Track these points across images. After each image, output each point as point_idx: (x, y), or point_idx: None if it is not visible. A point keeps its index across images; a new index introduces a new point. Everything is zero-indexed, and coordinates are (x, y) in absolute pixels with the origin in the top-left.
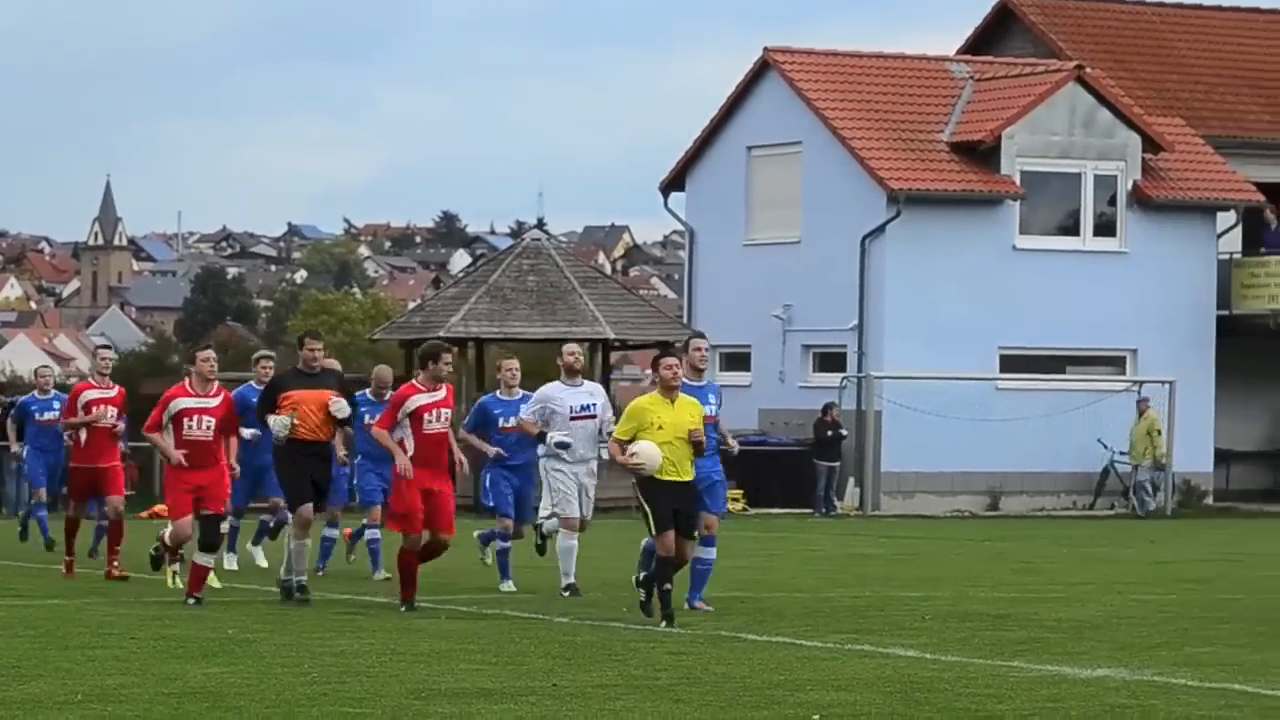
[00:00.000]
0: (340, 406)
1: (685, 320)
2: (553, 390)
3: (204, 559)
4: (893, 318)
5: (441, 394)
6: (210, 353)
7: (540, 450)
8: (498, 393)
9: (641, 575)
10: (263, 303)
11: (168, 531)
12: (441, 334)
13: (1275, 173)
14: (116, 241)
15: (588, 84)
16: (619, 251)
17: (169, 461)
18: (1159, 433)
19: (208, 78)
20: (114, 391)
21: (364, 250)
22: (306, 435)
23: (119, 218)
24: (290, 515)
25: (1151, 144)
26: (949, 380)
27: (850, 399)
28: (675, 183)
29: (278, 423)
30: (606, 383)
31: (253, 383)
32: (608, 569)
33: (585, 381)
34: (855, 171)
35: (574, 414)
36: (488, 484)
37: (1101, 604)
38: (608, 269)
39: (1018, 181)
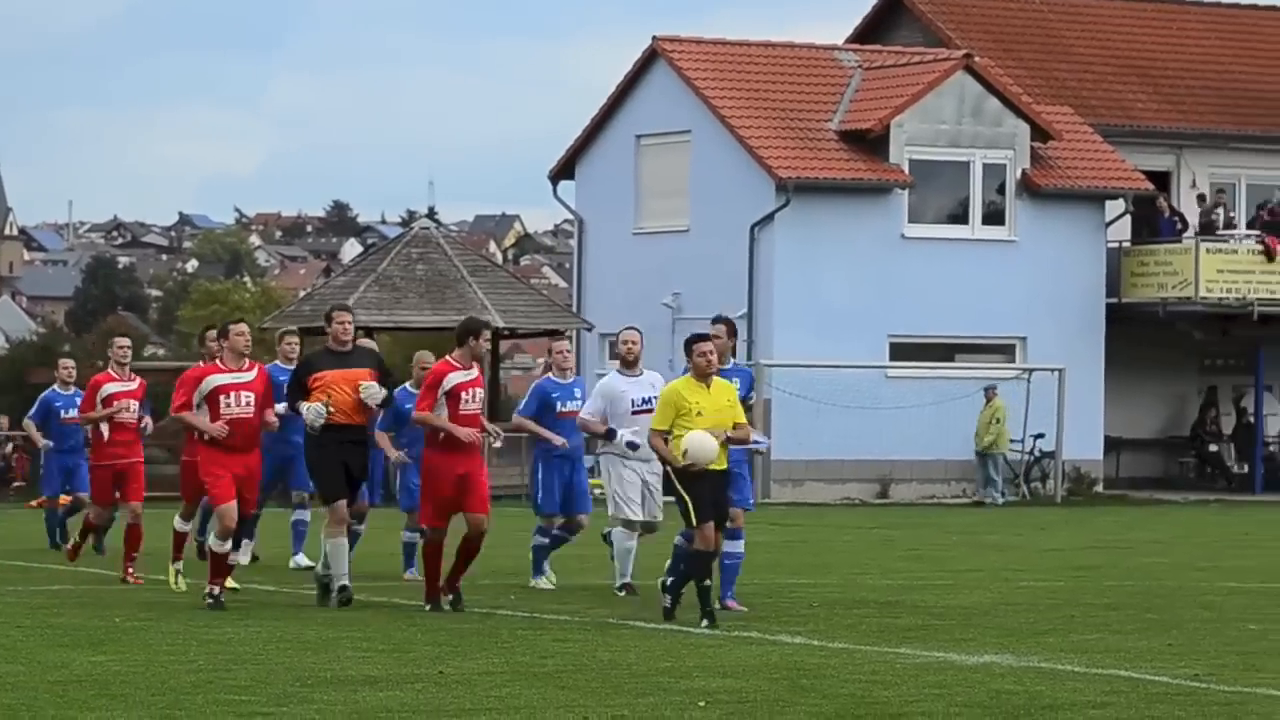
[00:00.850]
0: (371, 392)
1: (575, 309)
2: (613, 383)
3: (222, 547)
4: (782, 306)
5: (475, 373)
6: (244, 326)
7: (600, 445)
8: (551, 375)
9: (669, 580)
10: (154, 292)
11: (211, 537)
12: None
13: (1163, 161)
14: (7, 231)
15: (478, 73)
16: (510, 240)
17: (203, 438)
18: (1001, 420)
19: (99, 67)
20: (135, 384)
21: (255, 239)
22: (340, 420)
23: (9, 208)
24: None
25: (1040, 133)
26: (838, 368)
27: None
28: (565, 172)
29: (311, 411)
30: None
31: (279, 361)
32: (498, 557)
33: (645, 371)
34: (744, 160)
35: (635, 408)
36: (539, 477)
37: (990, 591)
38: (499, 258)
39: (906, 170)
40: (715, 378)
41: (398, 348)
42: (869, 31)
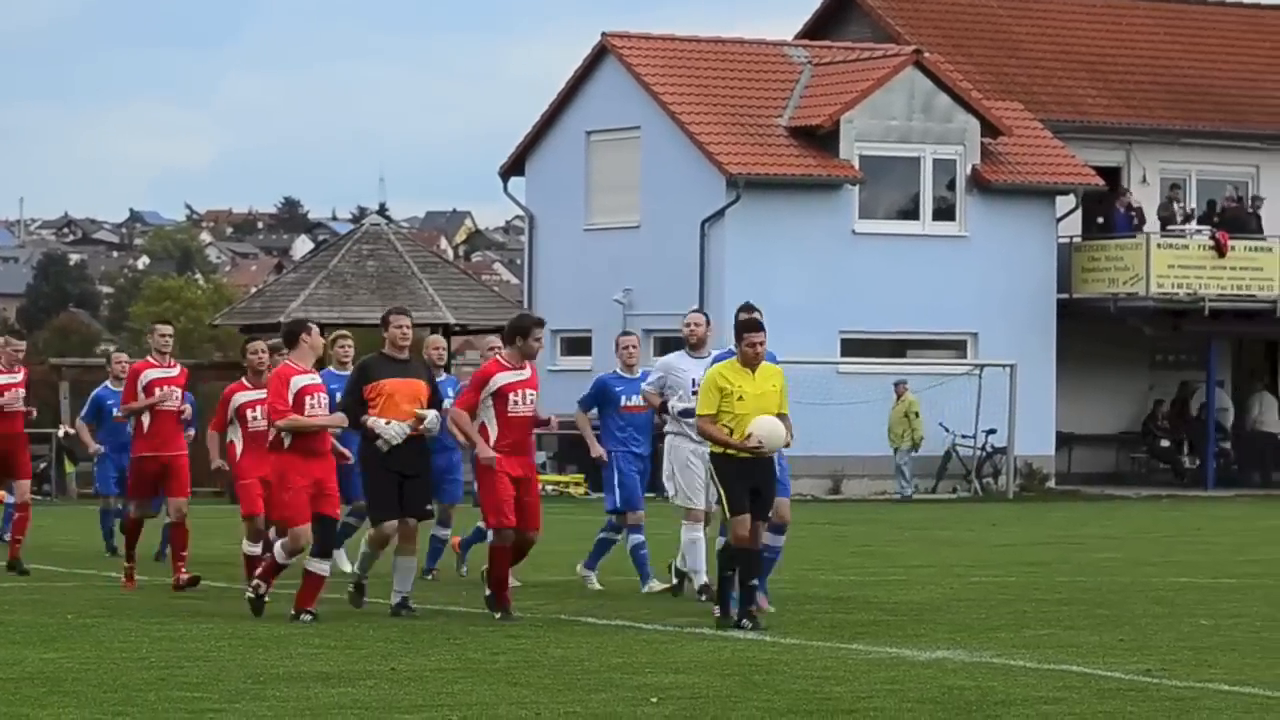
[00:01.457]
0: (431, 423)
1: (526, 305)
2: (675, 360)
3: (319, 566)
4: (733, 302)
5: (527, 373)
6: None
7: (664, 425)
8: (617, 369)
9: (715, 586)
10: (105, 289)
11: (278, 546)
12: (281, 319)
13: (1113, 157)
14: None
15: (428, 69)
16: (461, 236)
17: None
18: (916, 415)
19: (50, 64)
20: (176, 370)
21: (206, 236)
22: None
23: None
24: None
25: (990, 128)
26: (789, 364)
27: None
28: (515, 168)
29: (391, 430)
30: (448, 370)
31: (332, 367)
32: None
33: (713, 353)
34: (694, 156)
35: (697, 387)
36: (615, 476)
37: (942, 587)
38: (450, 254)
39: (856, 166)
40: (764, 363)
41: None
42: (819, 27)
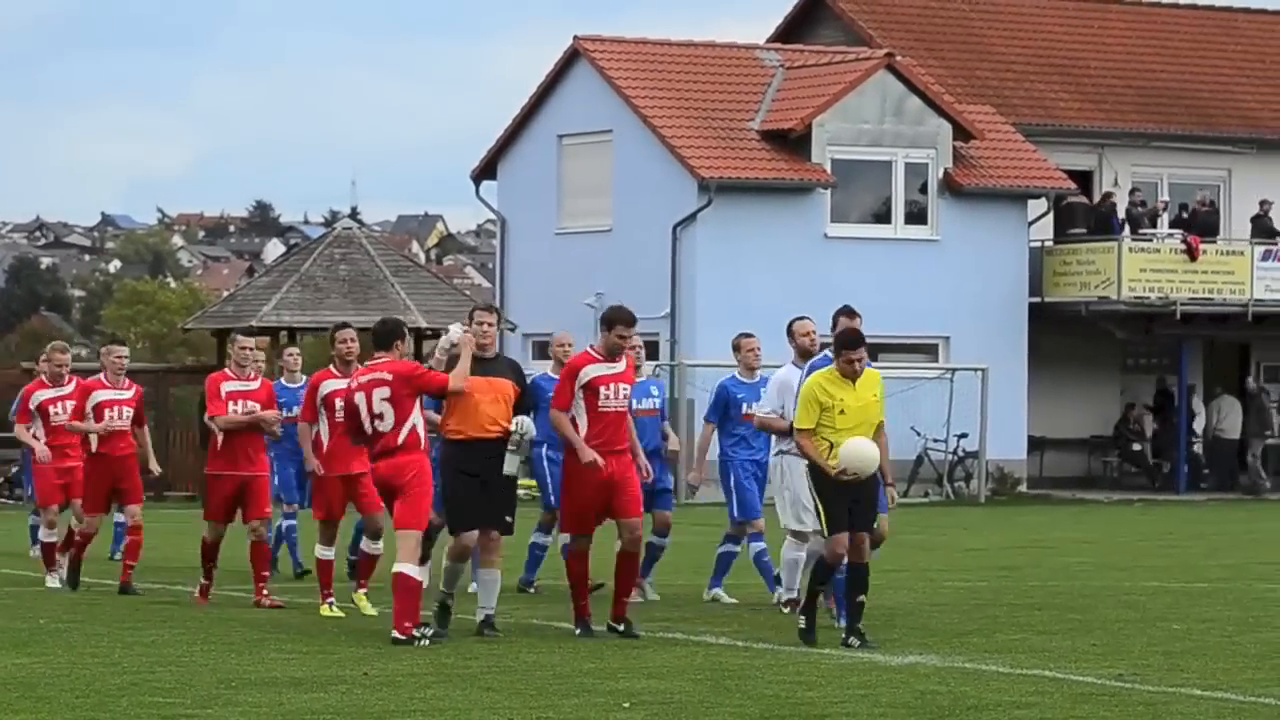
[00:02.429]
0: (527, 428)
1: (498, 308)
2: (788, 375)
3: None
4: (705, 306)
5: (621, 366)
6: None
7: (778, 444)
8: (736, 374)
9: (803, 599)
10: (77, 293)
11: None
12: (254, 323)
13: (1085, 160)
14: None
15: (399, 73)
16: (433, 240)
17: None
18: None
19: (21, 66)
20: (257, 384)
21: (178, 240)
22: (474, 433)
23: None
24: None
25: (962, 132)
26: (761, 368)
27: (664, 385)
28: (487, 171)
29: (453, 331)
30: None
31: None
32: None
33: (761, 376)
34: (666, 160)
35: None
36: (732, 483)
37: (914, 591)
38: (421, 258)
39: (829, 169)
40: (868, 373)
41: (320, 348)
42: (790, 31)
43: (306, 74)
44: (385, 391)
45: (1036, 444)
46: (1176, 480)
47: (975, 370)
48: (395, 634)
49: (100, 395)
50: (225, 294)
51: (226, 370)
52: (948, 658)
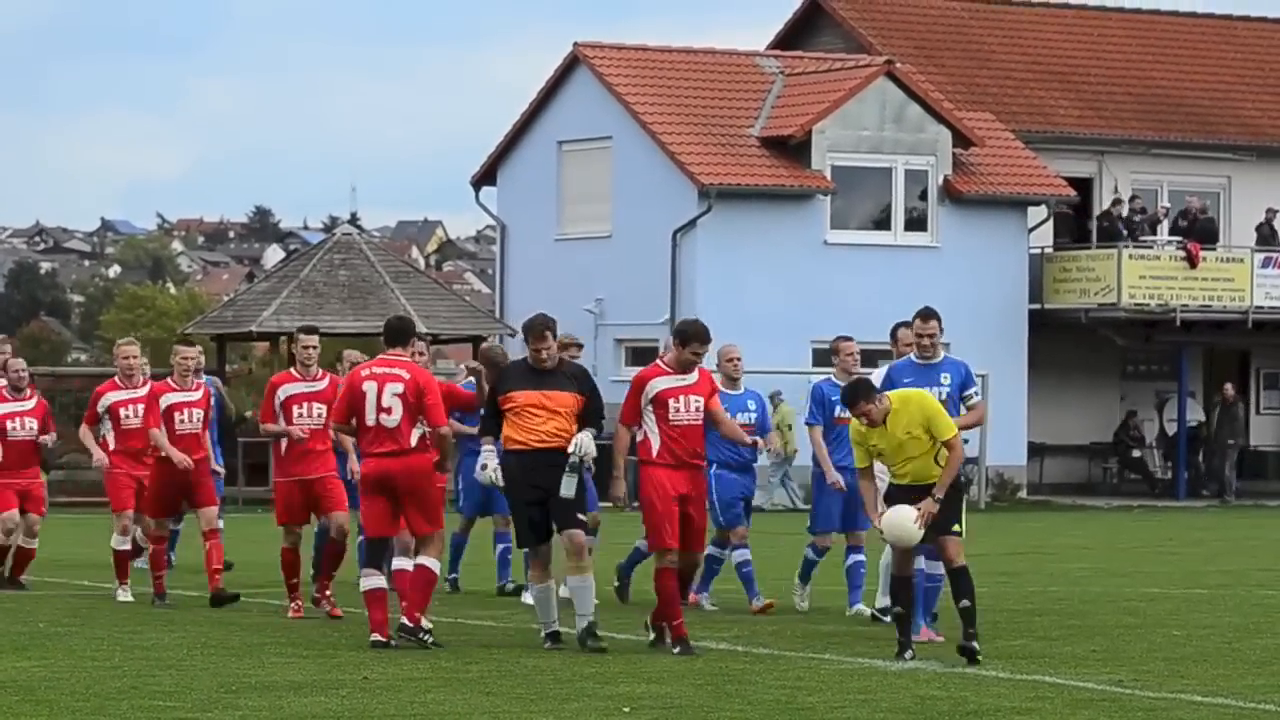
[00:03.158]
0: (586, 447)
1: (498, 315)
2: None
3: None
4: (705, 312)
5: (693, 379)
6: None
7: None
8: (832, 375)
9: (886, 603)
10: (76, 298)
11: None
12: (253, 329)
13: (1085, 167)
14: None
15: (399, 79)
16: (432, 246)
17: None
18: (790, 427)
19: (21, 71)
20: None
21: (177, 245)
22: (535, 444)
23: None
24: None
25: (962, 139)
26: (762, 374)
27: None
28: (487, 177)
29: (485, 475)
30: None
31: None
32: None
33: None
34: (666, 166)
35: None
36: (816, 491)
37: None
38: (421, 263)
39: (828, 176)
40: (894, 410)
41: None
42: (790, 37)
43: (306, 79)
44: (399, 388)
45: (1036, 450)
46: (1177, 487)
47: (975, 377)
48: (404, 620)
49: (170, 398)
50: (225, 299)
51: (291, 371)
52: (948, 663)
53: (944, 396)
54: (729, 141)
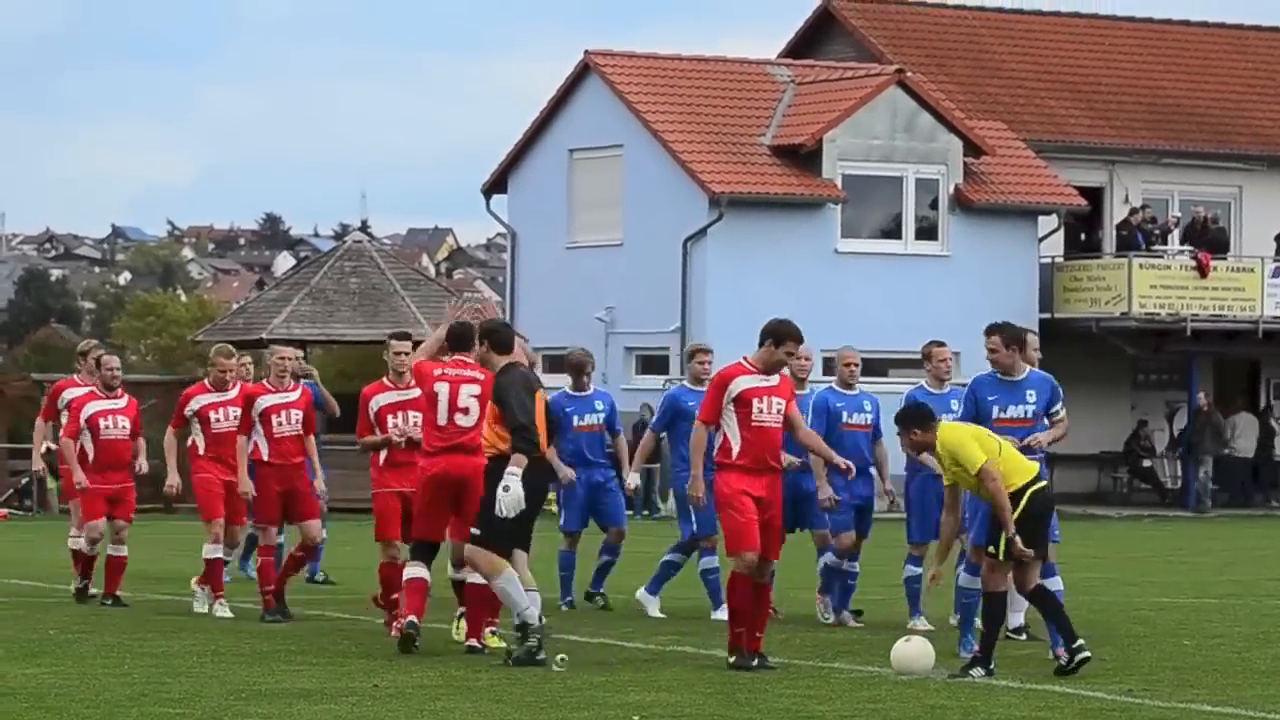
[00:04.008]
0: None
1: (508, 322)
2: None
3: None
4: (715, 321)
5: (775, 380)
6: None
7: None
8: (834, 385)
9: (1019, 621)
10: (87, 305)
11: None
12: (264, 336)
13: (1096, 177)
14: None
15: (409, 86)
16: (443, 254)
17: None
18: None
19: (29, 79)
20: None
21: (188, 252)
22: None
23: None
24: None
25: (973, 148)
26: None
27: None
28: (497, 185)
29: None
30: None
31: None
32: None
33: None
34: (677, 174)
35: (846, 424)
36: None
37: (924, 606)
38: (431, 271)
39: (839, 185)
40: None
41: (331, 361)
42: (801, 46)
43: (316, 86)
44: (475, 389)
45: (1047, 459)
46: (1186, 496)
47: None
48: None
49: (266, 400)
50: (235, 306)
51: (384, 381)
52: (957, 672)
53: (1029, 414)
54: (740, 150)
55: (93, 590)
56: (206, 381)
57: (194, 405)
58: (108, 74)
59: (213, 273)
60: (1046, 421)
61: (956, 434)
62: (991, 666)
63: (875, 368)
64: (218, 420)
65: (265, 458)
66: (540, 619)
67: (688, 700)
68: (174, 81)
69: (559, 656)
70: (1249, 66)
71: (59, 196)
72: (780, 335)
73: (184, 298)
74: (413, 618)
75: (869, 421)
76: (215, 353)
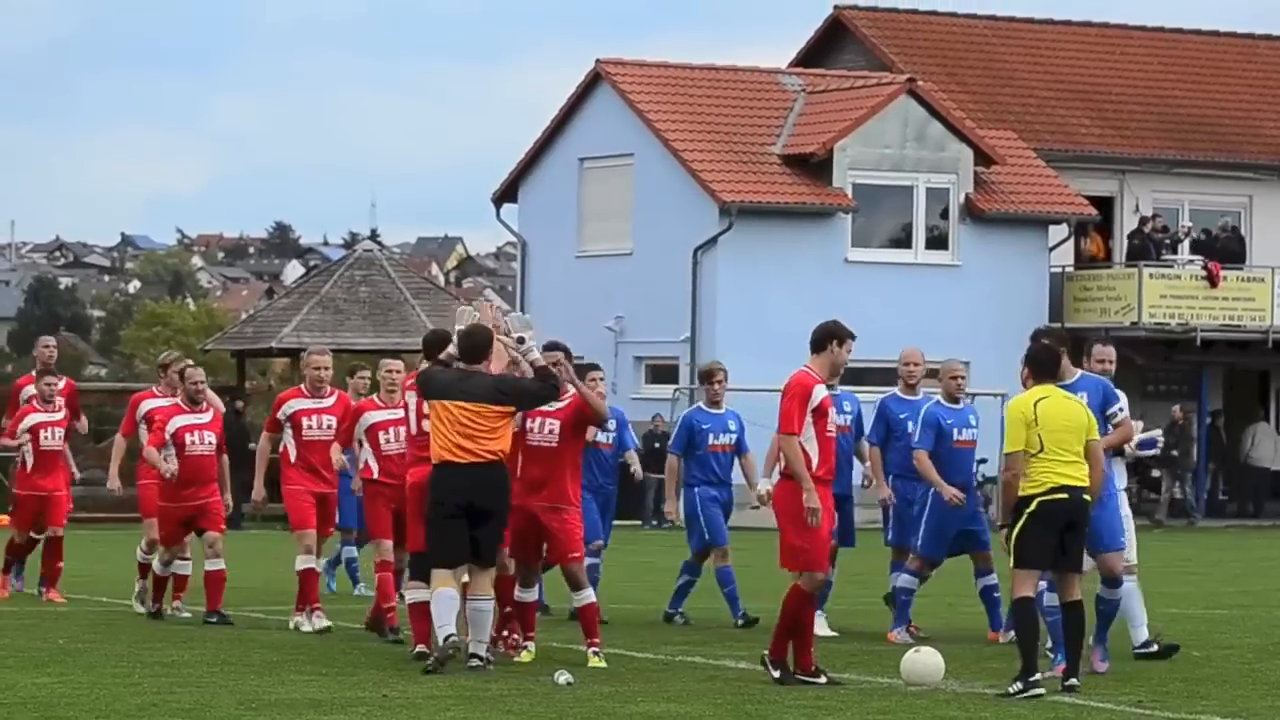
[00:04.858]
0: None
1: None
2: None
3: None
4: (725, 330)
5: (835, 389)
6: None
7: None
8: (897, 391)
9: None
10: (96, 313)
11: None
12: (274, 345)
13: (1107, 186)
14: None
15: (420, 95)
16: (452, 263)
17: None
18: None
19: (40, 87)
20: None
21: (197, 261)
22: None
23: None
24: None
25: (983, 157)
26: (775, 391)
27: (682, 411)
28: (508, 194)
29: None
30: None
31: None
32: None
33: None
34: (687, 183)
35: (957, 441)
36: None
37: (933, 617)
38: (441, 280)
39: (850, 194)
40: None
41: (340, 369)
42: (812, 55)
43: (326, 95)
44: None
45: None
46: (1192, 509)
47: (995, 395)
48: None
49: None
50: (244, 315)
51: (375, 399)
52: (967, 683)
53: (974, 437)
54: (750, 159)
55: (169, 609)
56: (303, 386)
57: (287, 409)
58: (117, 83)
59: (222, 281)
60: (1110, 426)
61: (1011, 411)
62: (1033, 678)
63: (885, 377)
64: (310, 427)
65: (375, 476)
66: (449, 637)
67: (698, 711)
68: (184, 90)
69: (564, 676)
70: (1260, 76)
71: (68, 205)
72: (842, 334)
73: (193, 306)
74: (421, 647)
75: (974, 437)
76: (309, 352)
